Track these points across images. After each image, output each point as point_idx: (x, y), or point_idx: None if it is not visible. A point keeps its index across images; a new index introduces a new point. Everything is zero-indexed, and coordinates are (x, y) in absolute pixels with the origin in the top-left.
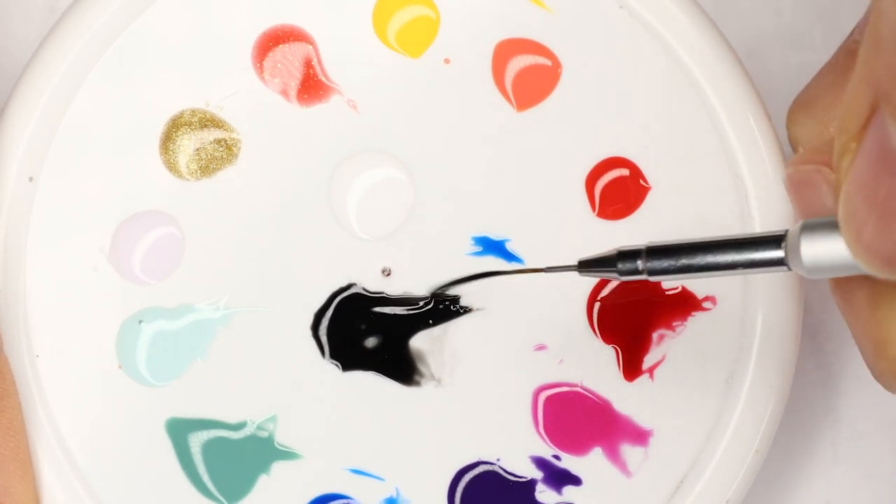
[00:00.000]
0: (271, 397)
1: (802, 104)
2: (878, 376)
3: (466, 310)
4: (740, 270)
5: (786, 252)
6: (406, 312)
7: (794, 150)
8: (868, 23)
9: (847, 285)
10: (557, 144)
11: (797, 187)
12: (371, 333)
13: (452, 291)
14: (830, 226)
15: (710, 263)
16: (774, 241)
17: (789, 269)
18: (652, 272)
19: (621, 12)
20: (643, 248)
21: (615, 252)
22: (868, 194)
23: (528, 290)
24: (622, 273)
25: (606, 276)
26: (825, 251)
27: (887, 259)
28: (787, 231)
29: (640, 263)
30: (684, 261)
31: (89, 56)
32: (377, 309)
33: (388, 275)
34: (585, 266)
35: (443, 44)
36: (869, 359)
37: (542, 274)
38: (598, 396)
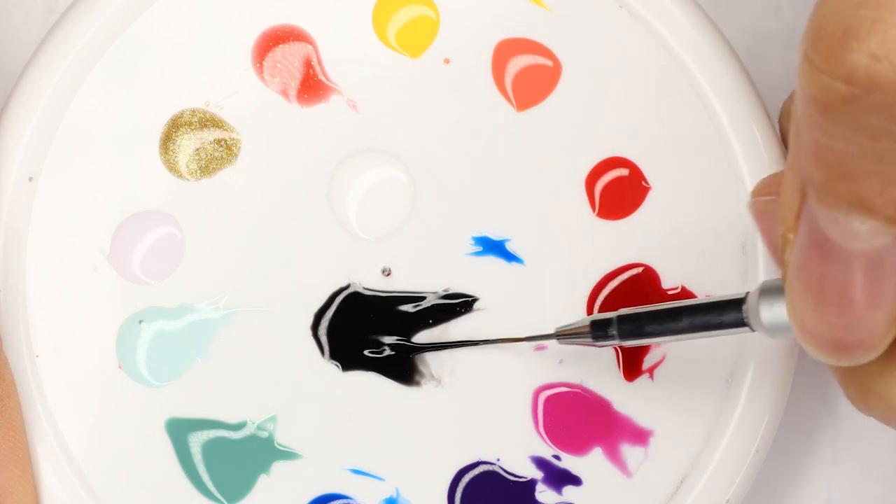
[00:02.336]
0: (271, 397)
1: (784, 111)
2: (851, 402)
3: (466, 310)
4: (705, 333)
5: (747, 315)
6: (414, 309)
7: (785, 143)
8: (792, 112)
9: None
10: (557, 144)
11: (759, 217)
12: (371, 333)
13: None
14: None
15: (676, 328)
16: (735, 304)
17: (752, 331)
18: (624, 337)
19: (621, 12)
20: (614, 317)
21: (588, 322)
22: (805, 280)
23: (528, 291)
24: (596, 339)
25: (582, 343)
26: (783, 314)
27: (830, 344)
28: (747, 294)
29: (612, 330)
30: (653, 327)
31: (89, 56)
32: (401, 307)
33: (388, 275)
34: (563, 335)
35: (443, 44)
36: (841, 385)
37: (543, 275)
38: (598, 396)
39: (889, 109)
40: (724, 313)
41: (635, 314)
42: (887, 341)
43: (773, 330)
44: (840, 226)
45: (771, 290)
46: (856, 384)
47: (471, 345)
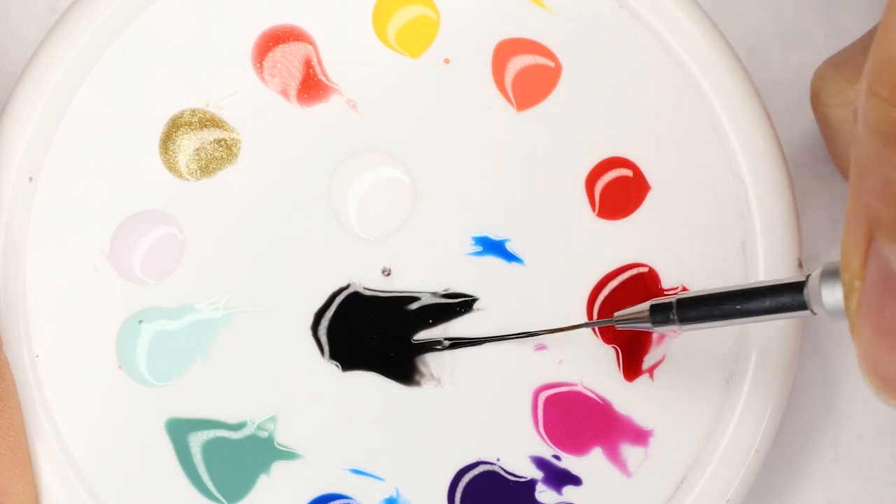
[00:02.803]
0: (271, 397)
1: (834, 63)
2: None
3: (466, 310)
4: (766, 317)
5: (808, 298)
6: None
7: (814, 108)
8: (852, 157)
9: None
10: (557, 144)
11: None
12: (371, 333)
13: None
14: None
15: (736, 311)
16: (796, 287)
17: (814, 314)
18: (684, 321)
19: (621, 12)
20: (674, 301)
21: (648, 307)
22: (877, 325)
23: (528, 291)
24: (656, 324)
25: (641, 328)
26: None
27: None
28: (808, 277)
29: (671, 314)
30: (713, 310)
31: (89, 56)
32: (415, 305)
33: (388, 275)
34: (622, 321)
35: (443, 44)
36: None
37: (543, 275)
38: (598, 396)
39: None
40: (786, 297)
41: (695, 298)
42: None
43: (835, 313)
44: None
45: (832, 273)
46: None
47: (514, 338)
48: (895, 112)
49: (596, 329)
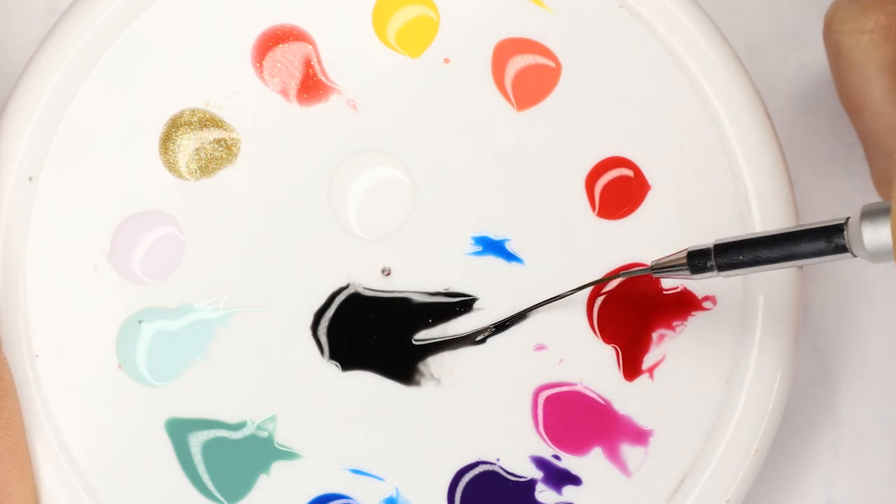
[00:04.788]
0: (271, 397)
1: None
2: None
3: (466, 309)
4: (805, 260)
5: (848, 240)
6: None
7: (826, 38)
8: None
9: None
10: (557, 144)
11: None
12: (371, 333)
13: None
14: (889, 211)
15: (776, 255)
16: (836, 229)
17: (854, 256)
18: (722, 267)
19: (621, 12)
20: (711, 246)
21: (685, 254)
22: None
23: (528, 290)
24: (694, 271)
25: (678, 276)
26: (887, 236)
27: None
28: (847, 219)
29: (709, 261)
30: (751, 255)
31: (89, 56)
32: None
33: (388, 275)
34: (658, 268)
35: (443, 44)
36: None
37: (543, 275)
38: (598, 396)
39: None
40: (826, 239)
41: (733, 242)
42: None
43: (877, 254)
44: None
45: (873, 213)
46: None
47: (536, 307)
48: None
49: (596, 329)
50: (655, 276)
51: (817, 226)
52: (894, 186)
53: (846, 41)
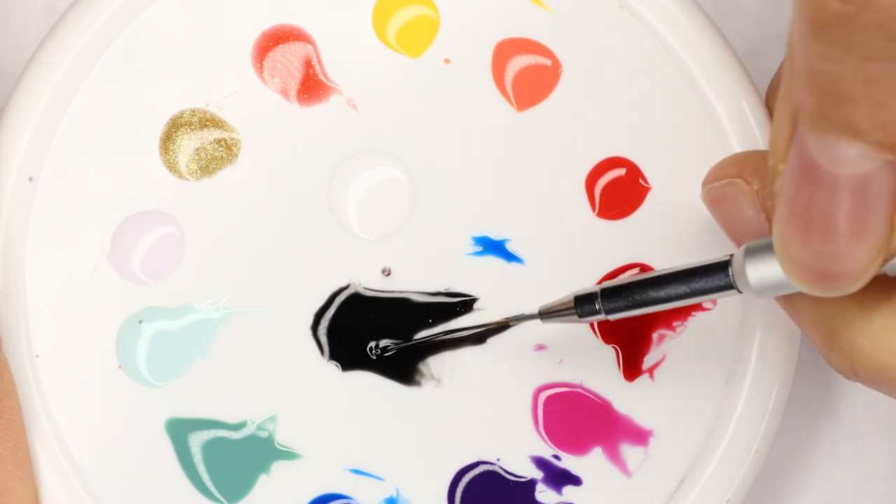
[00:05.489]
0: (271, 397)
1: (773, 85)
2: (835, 368)
3: (466, 310)
4: (692, 299)
5: (733, 277)
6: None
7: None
8: (787, 42)
9: (790, 295)
10: (557, 144)
11: (715, 204)
12: (371, 333)
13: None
14: (771, 247)
15: (661, 297)
16: (721, 267)
17: (739, 293)
18: (609, 311)
19: (621, 12)
20: (597, 290)
21: (571, 298)
22: (793, 209)
23: (528, 290)
24: (582, 316)
25: (567, 321)
26: (769, 272)
27: (815, 274)
28: (731, 256)
29: (596, 305)
30: (638, 297)
31: (89, 56)
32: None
33: (388, 275)
34: (546, 314)
35: (443, 44)
36: (823, 353)
37: (543, 275)
38: (598, 396)
39: (882, 27)
40: (711, 277)
41: (618, 286)
42: (871, 273)
43: (761, 290)
44: (829, 151)
45: (756, 250)
46: (840, 345)
47: (450, 334)
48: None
49: (596, 329)
50: (544, 321)
51: (702, 265)
52: (770, 142)
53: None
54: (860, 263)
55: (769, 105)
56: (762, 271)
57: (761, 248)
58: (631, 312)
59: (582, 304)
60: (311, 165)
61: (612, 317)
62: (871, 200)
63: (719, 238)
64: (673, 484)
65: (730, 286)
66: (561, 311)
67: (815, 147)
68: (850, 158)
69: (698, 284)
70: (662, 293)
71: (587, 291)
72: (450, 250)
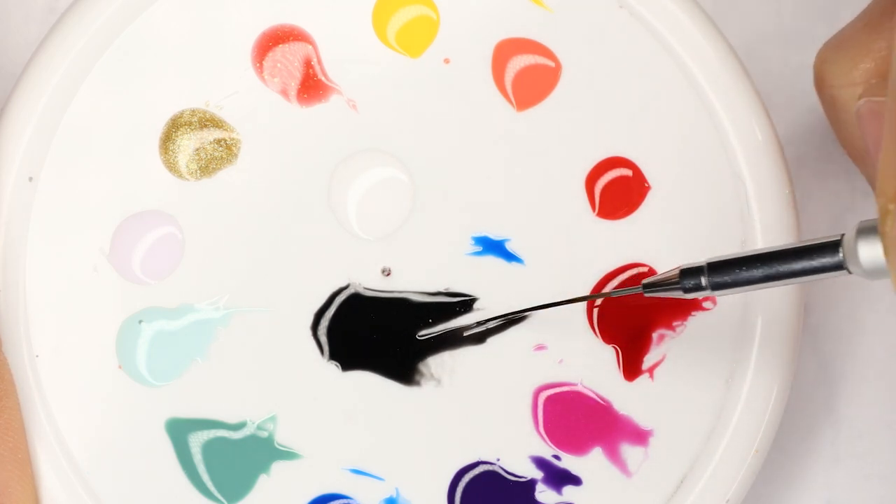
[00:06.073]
0: (271, 397)
1: (835, 45)
2: None
3: (466, 310)
4: (800, 279)
5: (844, 256)
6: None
7: (819, 91)
8: (889, 81)
9: None
10: (557, 144)
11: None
12: (371, 333)
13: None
14: None
15: (770, 274)
16: (832, 246)
17: (850, 273)
18: (715, 287)
19: (621, 12)
20: (704, 264)
21: (677, 271)
22: None
23: (528, 290)
24: (686, 290)
25: (671, 294)
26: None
27: None
28: (843, 236)
29: (703, 280)
30: (745, 273)
31: (89, 56)
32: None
33: (388, 275)
34: (649, 287)
35: (443, 44)
36: None
37: (543, 275)
38: (598, 396)
39: None
40: (821, 256)
41: (727, 261)
42: None
43: (873, 270)
44: None
45: (869, 231)
46: None
47: (519, 314)
48: None
49: (596, 329)
50: (647, 294)
51: (812, 243)
52: (878, 183)
53: (841, 94)
54: None
55: (820, 63)
56: (876, 251)
57: (874, 229)
58: (736, 290)
59: (687, 278)
60: (311, 165)
61: (716, 293)
62: None
63: (719, 238)
64: (673, 484)
65: (840, 266)
66: (665, 284)
67: None
68: None
69: (808, 263)
70: (771, 270)
71: (694, 265)
72: (450, 250)
